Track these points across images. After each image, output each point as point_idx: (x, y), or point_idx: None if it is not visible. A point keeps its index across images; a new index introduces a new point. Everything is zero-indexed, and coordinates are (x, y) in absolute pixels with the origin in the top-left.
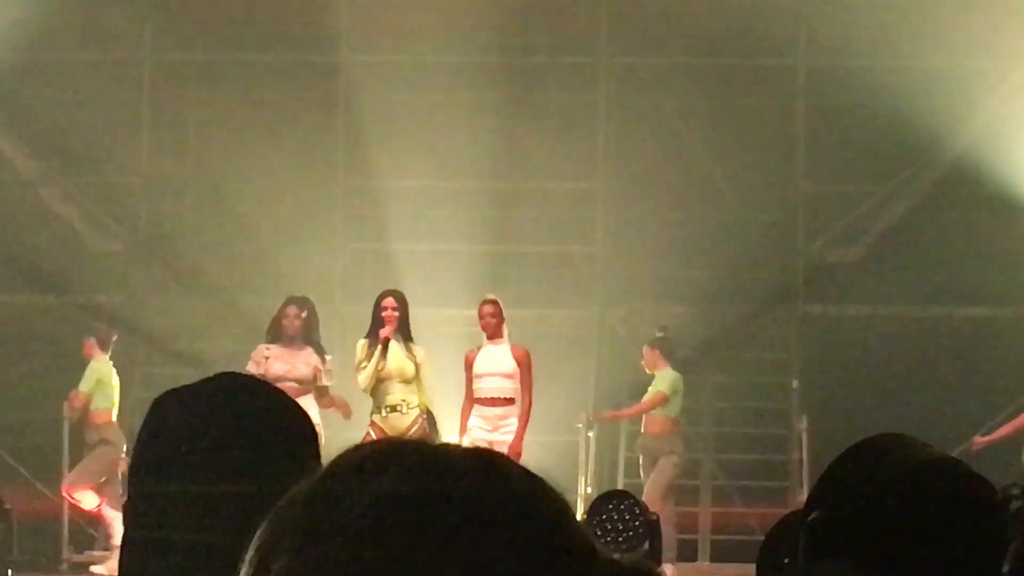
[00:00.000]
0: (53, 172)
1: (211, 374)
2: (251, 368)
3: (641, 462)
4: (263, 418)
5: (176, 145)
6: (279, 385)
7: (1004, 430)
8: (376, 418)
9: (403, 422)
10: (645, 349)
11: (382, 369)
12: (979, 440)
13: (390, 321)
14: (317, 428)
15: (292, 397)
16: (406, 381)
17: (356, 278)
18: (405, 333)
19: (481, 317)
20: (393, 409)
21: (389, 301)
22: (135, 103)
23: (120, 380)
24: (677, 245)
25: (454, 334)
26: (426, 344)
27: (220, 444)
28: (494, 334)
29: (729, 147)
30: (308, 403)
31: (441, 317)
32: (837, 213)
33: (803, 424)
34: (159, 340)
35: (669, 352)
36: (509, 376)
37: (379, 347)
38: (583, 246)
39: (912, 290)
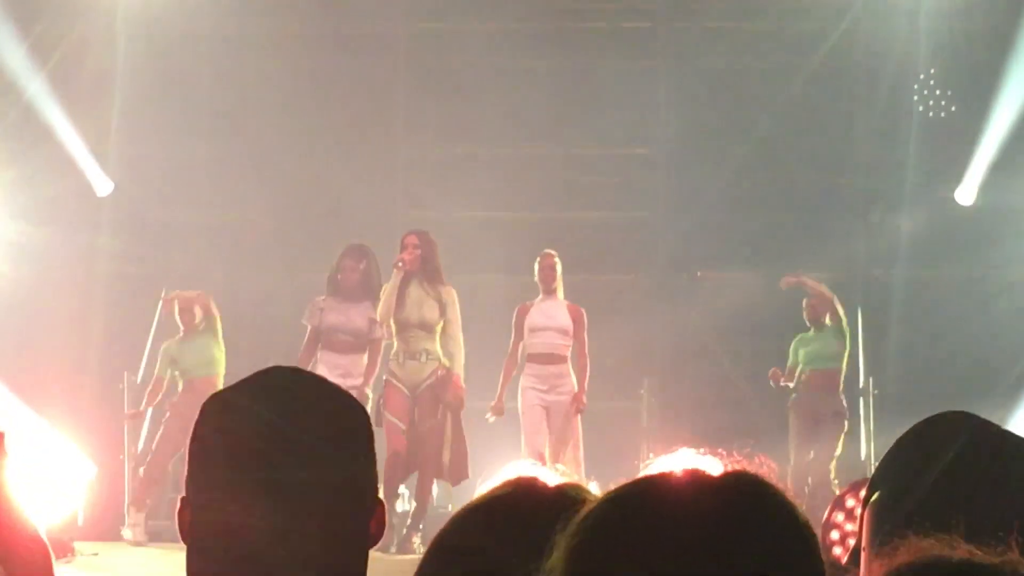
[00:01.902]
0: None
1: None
2: (305, 320)
3: (795, 423)
4: (313, 414)
5: (235, 116)
6: (334, 337)
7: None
8: (393, 366)
9: (420, 372)
10: (806, 302)
11: (400, 312)
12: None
13: (409, 256)
14: (369, 403)
15: (349, 352)
16: (428, 329)
17: None
18: (430, 275)
19: (541, 269)
20: (411, 357)
21: (411, 238)
22: (197, 73)
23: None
24: (738, 210)
25: (511, 300)
26: (485, 310)
27: (265, 437)
28: (550, 288)
29: (789, 112)
30: (364, 360)
31: (500, 284)
32: (897, 178)
33: (869, 387)
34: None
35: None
36: (564, 332)
37: (393, 277)
38: (643, 211)
39: (974, 254)
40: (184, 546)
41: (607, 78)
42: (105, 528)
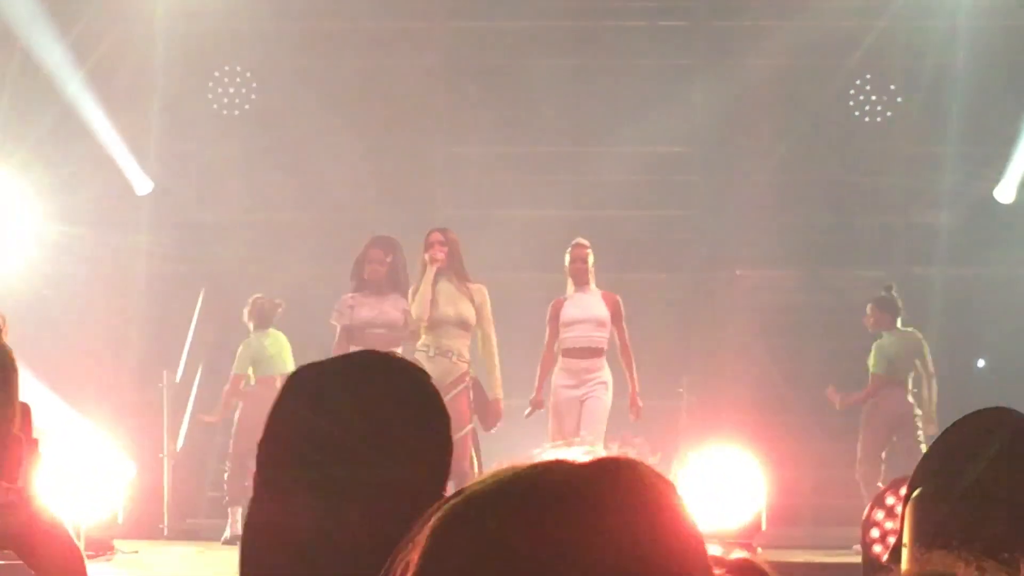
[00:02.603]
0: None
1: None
2: (334, 320)
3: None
4: (394, 401)
5: (273, 115)
6: (369, 332)
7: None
8: (421, 358)
9: (450, 372)
10: (870, 307)
11: (433, 310)
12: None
13: (440, 252)
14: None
15: (385, 347)
16: (464, 327)
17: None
18: (459, 272)
19: (572, 261)
20: (442, 353)
21: (436, 235)
22: (235, 72)
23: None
24: (776, 208)
25: (548, 298)
26: (522, 308)
27: (350, 428)
28: (583, 280)
29: (827, 110)
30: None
31: (538, 282)
32: (937, 176)
33: (908, 385)
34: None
35: (895, 311)
36: (601, 324)
37: (427, 274)
38: (681, 210)
39: (1014, 252)
40: (221, 545)
41: (645, 77)
42: (145, 527)
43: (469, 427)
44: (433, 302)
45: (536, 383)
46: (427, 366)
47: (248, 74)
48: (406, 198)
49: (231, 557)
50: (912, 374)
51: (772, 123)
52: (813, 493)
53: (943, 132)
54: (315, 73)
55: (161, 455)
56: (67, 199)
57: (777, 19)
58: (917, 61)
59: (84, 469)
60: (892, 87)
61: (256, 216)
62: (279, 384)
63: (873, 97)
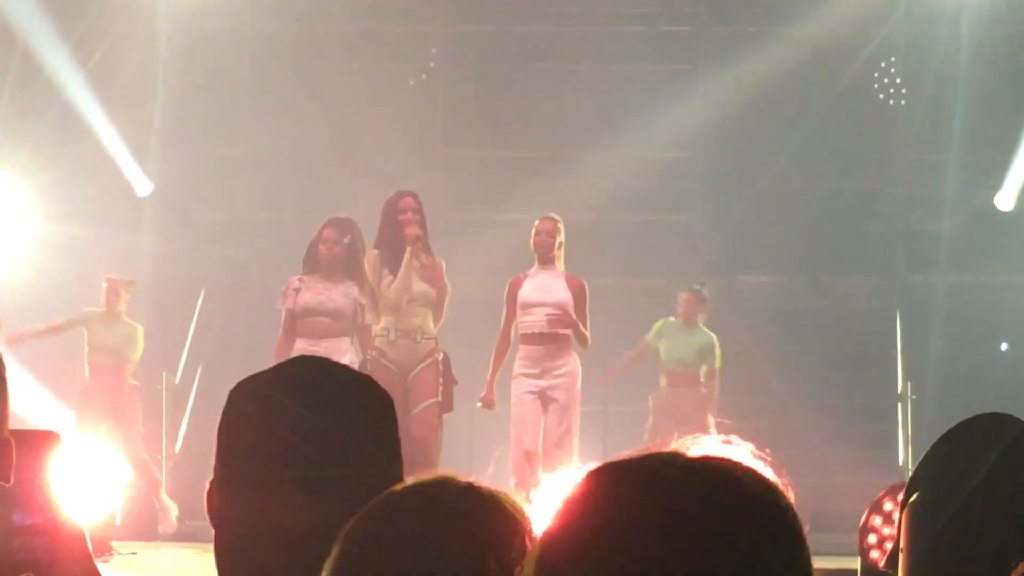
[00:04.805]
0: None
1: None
2: (279, 305)
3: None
4: (339, 405)
5: (273, 115)
6: (309, 320)
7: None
8: (381, 343)
9: (415, 352)
10: (686, 296)
11: (412, 283)
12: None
13: (412, 223)
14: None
15: (330, 338)
16: (426, 303)
17: (454, 249)
18: (425, 243)
19: (537, 234)
20: (404, 335)
21: (409, 201)
22: (237, 72)
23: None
24: (776, 214)
25: None
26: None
27: (297, 433)
28: (546, 257)
29: (829, 117)
30: (346, 345)
31: None
32: (937, 183)
33: (907, 392)
34: (259, 310)
35: (691, 308)
36: (562, 308)
37: (408, 250)
38: (681, 215)
39: (1014, 259)
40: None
41: (646, 82)
42: (143, 527)
43: (433, 400)
44: (404, 282)
45: (488, 375)
46: (388, 352)
47: (251, 74)
48: None
49: None
50: (704, 369)
51: (773, 129)
52: (811, 499)
53: (944, 139)
54: (315, 74)
55: (159, 456)
56: (68, 200)
57: (778, 25)
58: (919, 68)
59: (82, 469)
60: (893, 94)
61: (257, 217)
62: (120, 375)
63: (875, 103)
